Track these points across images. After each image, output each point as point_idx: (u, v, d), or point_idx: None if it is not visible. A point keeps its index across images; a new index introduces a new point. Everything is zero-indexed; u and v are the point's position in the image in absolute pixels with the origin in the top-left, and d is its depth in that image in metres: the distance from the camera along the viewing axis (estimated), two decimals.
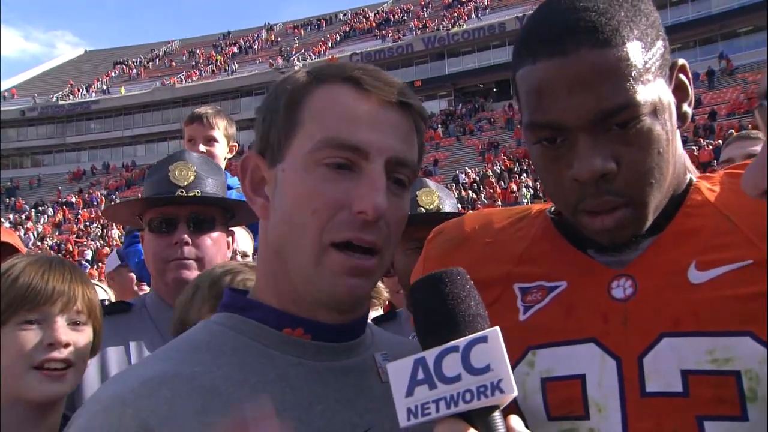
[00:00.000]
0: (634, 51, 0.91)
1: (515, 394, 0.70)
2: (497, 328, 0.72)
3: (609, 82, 0.89)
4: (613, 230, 0.96)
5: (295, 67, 1.03)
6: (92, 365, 1.78)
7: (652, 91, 0.92)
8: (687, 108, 1.01)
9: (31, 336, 1.38)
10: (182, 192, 1.87)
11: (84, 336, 1.44)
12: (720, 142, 23.88)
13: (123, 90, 59.10)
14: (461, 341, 0.72)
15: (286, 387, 0.89)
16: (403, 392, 0.73)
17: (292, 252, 0.92)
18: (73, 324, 1.43)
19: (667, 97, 0.96)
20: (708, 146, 24.02)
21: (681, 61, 1.00)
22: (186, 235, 1.83)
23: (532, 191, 27.91)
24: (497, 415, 0.72)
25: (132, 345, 1.85)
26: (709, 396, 0.89)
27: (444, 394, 0.71)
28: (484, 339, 0.71)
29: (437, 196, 2.14)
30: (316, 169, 0.90)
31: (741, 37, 38.33)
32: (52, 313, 1.40)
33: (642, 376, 0.93)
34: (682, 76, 1.00)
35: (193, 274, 1.83)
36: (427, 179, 2.23)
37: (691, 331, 0.91)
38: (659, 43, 0.95)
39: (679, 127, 1.00)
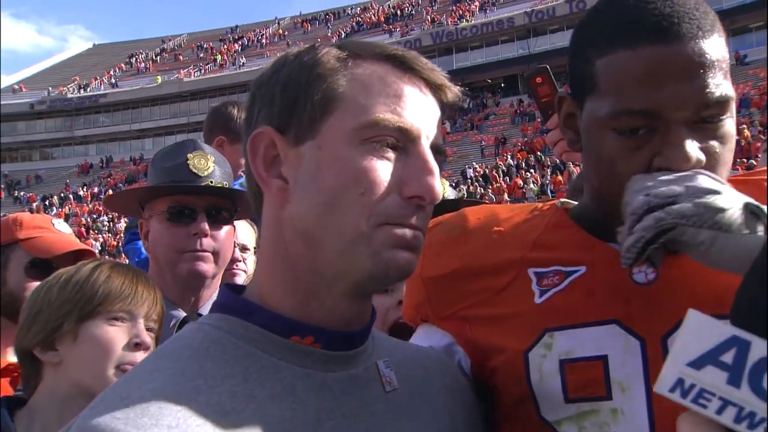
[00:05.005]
0: (723, 46, 0.93)
1: None
2: None
3: (711, 73, 0.89)
4: None
5: None
6: None
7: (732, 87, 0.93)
8: None
9: (120, 334, 1.36)
10: (204, 182, 1.79)
11: (152, 345, 1.41)
12: None
13: (159, 79, 58.77)
14: None
15: (294, 401, 0.81)
16: (689, 357, 0.55)
17: (331, 236, 0.83)
18: (148, 330, 1.41)
19: None
20: None
21: None
22: (207, 226, 1.77)
23: (538, 187, 27.83)
24: None
25: None
26: None
27: (741, 403, 0.51)
28: None
29: (446, 184, 2.10)
30: (362, 147, 0.82)
31: (752, 32, 38.04)
32: (139, 314, 1.39)
33: (666, 357, 0.91)
34: None
35: (209, 267, 1.77)
36: None
37: (713, 314, 0.89)
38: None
39: None
